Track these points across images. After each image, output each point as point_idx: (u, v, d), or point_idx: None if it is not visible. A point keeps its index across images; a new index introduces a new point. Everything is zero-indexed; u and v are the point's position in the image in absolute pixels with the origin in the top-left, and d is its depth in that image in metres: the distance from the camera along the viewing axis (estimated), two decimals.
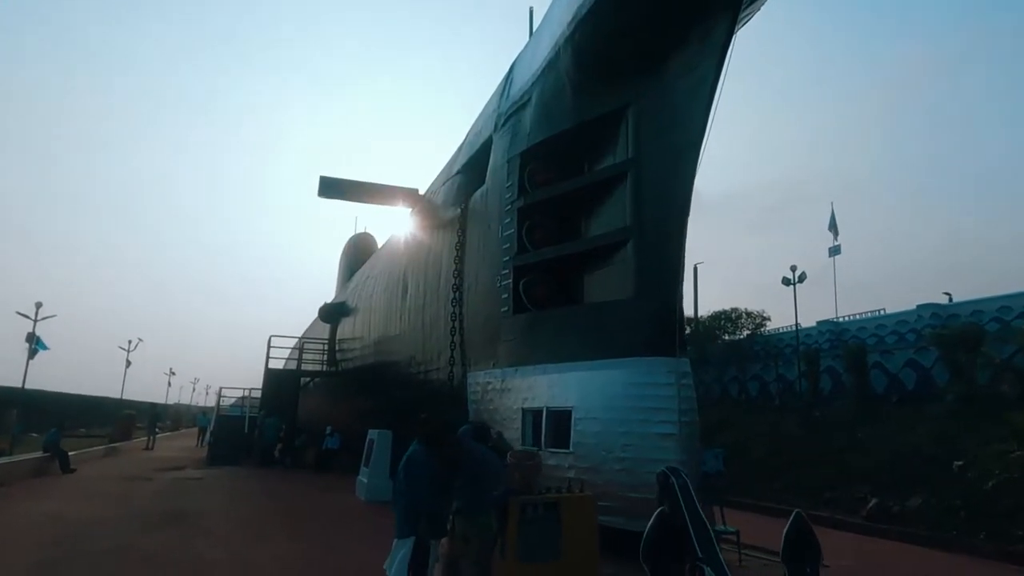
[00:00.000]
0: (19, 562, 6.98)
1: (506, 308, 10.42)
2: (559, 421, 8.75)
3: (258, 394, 30.83)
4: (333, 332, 24.12)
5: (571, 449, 8.36)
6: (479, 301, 11.66)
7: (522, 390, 9.67)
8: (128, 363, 40.84)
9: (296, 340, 27.26)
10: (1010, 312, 15.20)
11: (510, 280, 10.39)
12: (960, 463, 12.12)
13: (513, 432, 9.65)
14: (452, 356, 11.97)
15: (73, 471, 17.62)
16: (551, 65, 10.13)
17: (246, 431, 22.82)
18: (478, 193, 12.35)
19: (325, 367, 24.06)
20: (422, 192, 17.34)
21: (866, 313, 20.08)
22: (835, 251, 22.57)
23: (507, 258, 10.60)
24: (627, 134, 9.01)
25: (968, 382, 14.47)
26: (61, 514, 10.29)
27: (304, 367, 24.45)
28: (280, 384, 23.79)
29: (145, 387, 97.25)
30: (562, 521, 5.18)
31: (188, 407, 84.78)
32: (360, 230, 38.67)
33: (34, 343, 21.75)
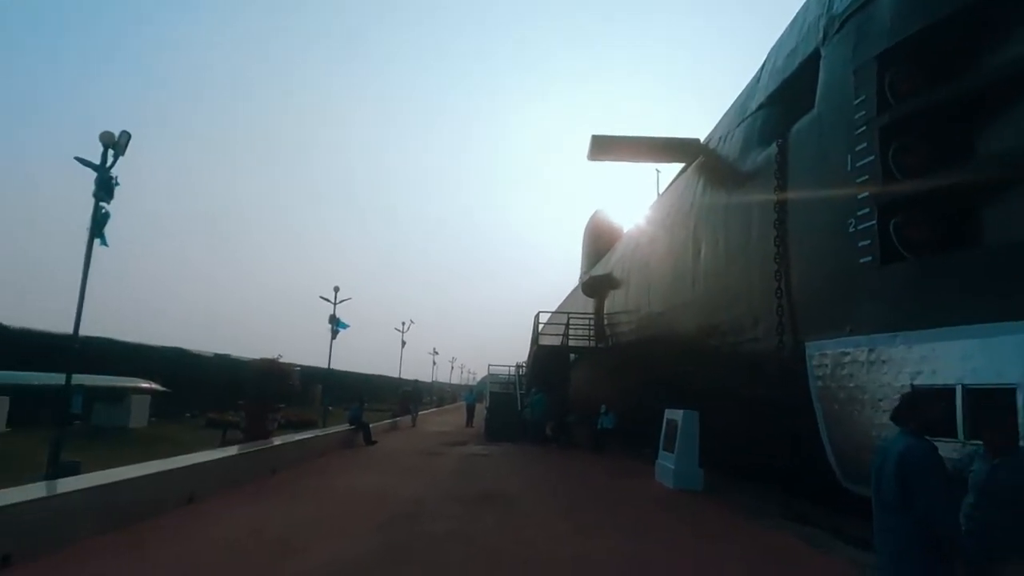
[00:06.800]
0: (370, 547, 6.64)
1: (869, 257, 8.09)
2: (986, 401, 6.33)
3: (522, 371, 31.49)
4: (599, 306, 23.17)
5: None
6: (815, 253, 9.45)
7: (910, 362, 7.34)
8: (403, 343, 44.70)
9: (559, 316, 26.95)
10: None
11: (873, 221, 8.04)
12: None
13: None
14: (780, 323, 9.90)
15: (375, 443, 18.93)
16: None
17: (519, 408, 23.01)
18: (803, 122, 10.05)
19: (592, 342, 23.23)
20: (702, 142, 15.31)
21: None
22: None
23: (864, 194, 8.24)
24: None
25: None
26: (385, 490, 10.39)
27: (569, 343, 23.92)
28: (548, 360, 23.60)
29: (413, 366, 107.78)
30: None
31: (449, 385, 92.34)
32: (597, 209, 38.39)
33: (335, 324, 24.02)
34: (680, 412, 11.75)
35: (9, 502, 5.32)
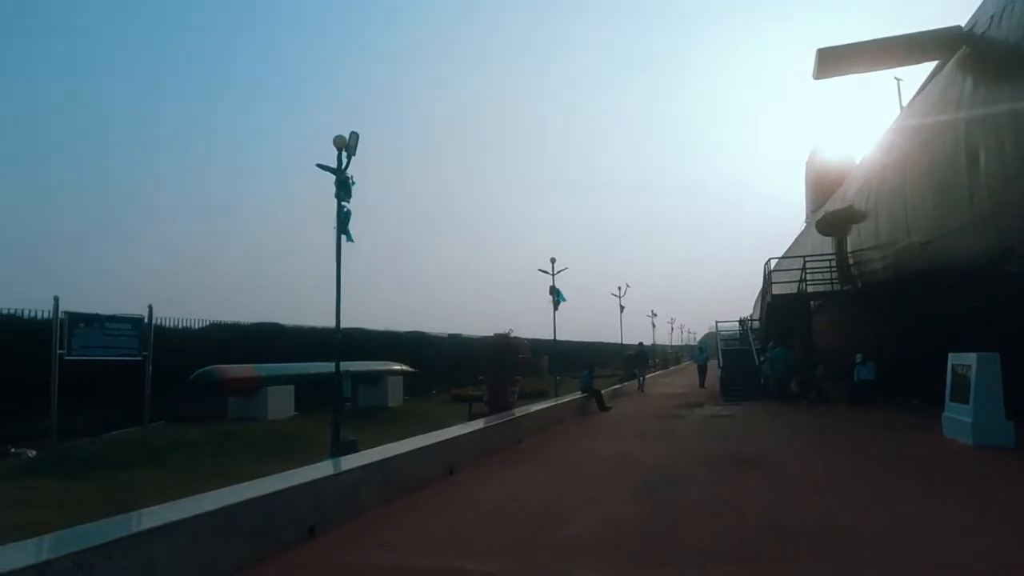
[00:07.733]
0: (633, 513, 6.37)
1: None
2: None
3: (745, 324, 29.45)
4: (840, 245, 20.63)
5: None
6: None
7: None
8: (622, 308, 44.29)
9: (790, 262, 24.61)
10: None
11: None
12: None
13: None
14: None
15: (609, 409, 18.88)
16: None
17: (758, 364, 21.47)
18: None
19: (836, 286, 20.80)
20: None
21: None
22: None
23: None
24: None
25: None
26: (630, 455, 10.15)
27: (808, 289, 21.69)
28: (786, 310, 21.68)
29: (632, 330, 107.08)
30: None
31: (670, 346, 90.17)
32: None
33: (555, 295, 24.36)
34: (972, 356, 9.84)
35: (312, 478, 5.92)
